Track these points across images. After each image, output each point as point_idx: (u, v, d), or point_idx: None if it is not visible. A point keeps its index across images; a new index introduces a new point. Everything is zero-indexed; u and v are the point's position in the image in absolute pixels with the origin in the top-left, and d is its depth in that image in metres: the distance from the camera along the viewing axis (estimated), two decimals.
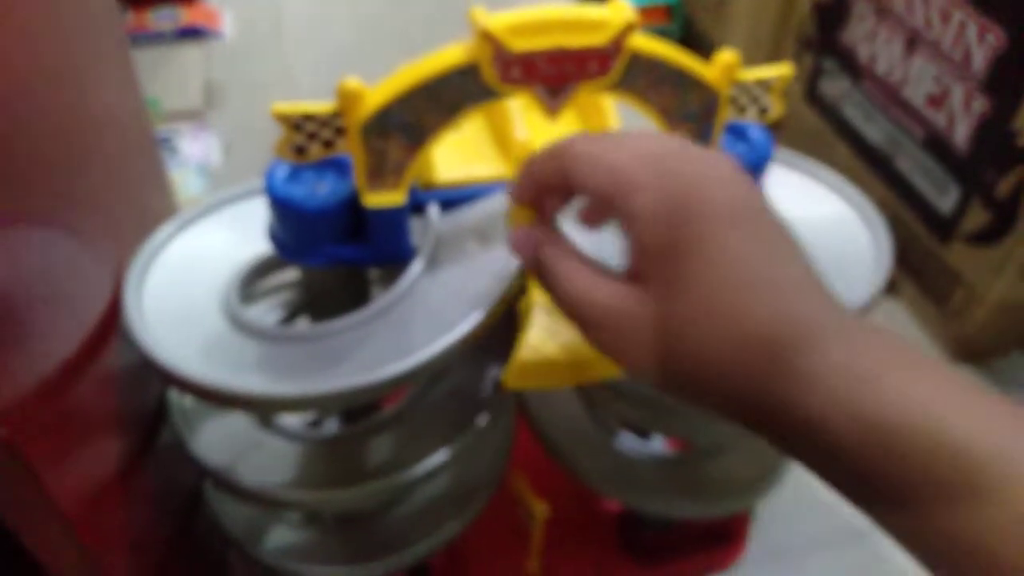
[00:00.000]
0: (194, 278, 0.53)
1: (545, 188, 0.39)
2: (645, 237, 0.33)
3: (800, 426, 0.30)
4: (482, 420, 0.55)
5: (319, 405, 0.47)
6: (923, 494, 0.29)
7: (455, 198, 0.53)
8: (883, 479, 0.29)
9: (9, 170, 0.38)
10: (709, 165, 0.33)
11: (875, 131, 1.05)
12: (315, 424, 0.62)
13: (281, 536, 0.64)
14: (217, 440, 0.57)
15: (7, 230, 0.37)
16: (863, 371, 0.29)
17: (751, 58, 0.47)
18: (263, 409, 0.55)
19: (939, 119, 0.94)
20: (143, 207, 0.64)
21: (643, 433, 0.69)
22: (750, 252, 0.31)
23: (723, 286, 0.31)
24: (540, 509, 0.63)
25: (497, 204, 0.53)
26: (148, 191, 0.68)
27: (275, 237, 0.51)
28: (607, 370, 0.48)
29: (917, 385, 0.29)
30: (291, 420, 0.58)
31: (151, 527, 0.54)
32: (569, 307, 0.36)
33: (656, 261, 0.32)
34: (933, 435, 0.28)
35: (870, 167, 1.07)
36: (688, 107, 0.48)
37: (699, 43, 1.42)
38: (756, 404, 0.31)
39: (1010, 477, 0.27)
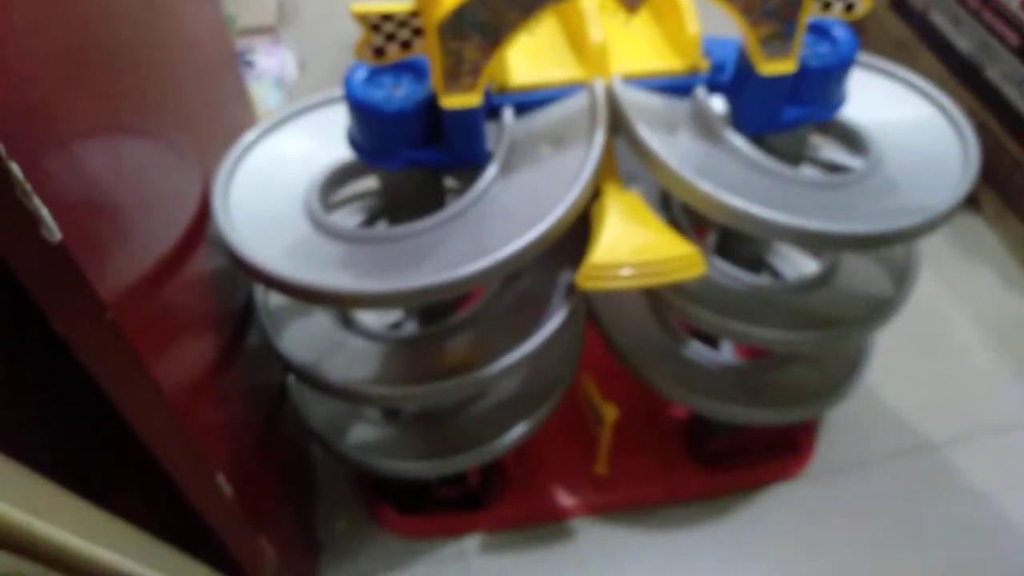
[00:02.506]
0: (278, 183, 0.54)
1: None
2: None
3: None
4: (553, 323, 0.56)
5: (399, 302, 0.48)
6: None
7: (529, 102, 0.53)
8: None
9: (110, 86, 0.39)
10: None
11: (964, 39, 0.99)
12: (395, 326, 0.64)
13: (361, 433, 0.66)
14: (301, 340, 0.59)
15: (108, 140, 0.38)
16: None
17: None
18: (347, 305, 0.56)
19: None
20: (228, 119, 0.65)
21: (712, 342, 0.69)
22: None
23: None
24: (609, 412, 0.64)
25: (571, 108, 0.52)
26: (231, 104, 0.69)
27: (354, 141, 0.51)
28: (678, 272, 0.48)
29: None
30: (371, 321, 0.60)
31: (242, 419, 0.57)
32: None
33: None
34: None
35: (957, 76, 1.01)
36: (770, 3, 0.46)
37: None
38: None
39: None
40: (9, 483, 0.29)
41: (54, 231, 0.29)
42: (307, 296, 0.47)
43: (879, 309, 0.58)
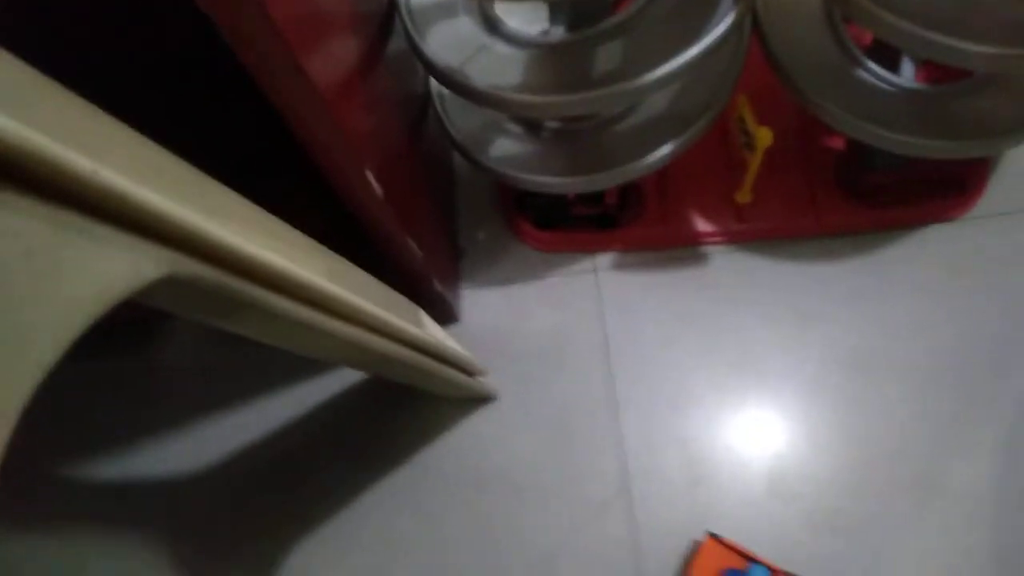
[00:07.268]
0: None
1: None
2: None
3: None
4: (717, 31, 0.47)
5: None
6: None
7: None
8: None
9: None
10: None
11: None
12: (544, 34, 0.57)
13: (503, 146, 0.62)
14: (445, 43, 0.53)
15: None
16: None
17: None
18: None
19: None
20: None
21: (892, 64, 0.58)
22: None
23: None
24: (764, 135, 0.57)
25: None
26: None
27: None
28: None
29: None
30: (517, 27, 0.53)
31: (388, 124, 0.54)
32: None
33: None
34: None
35: None
36: None
37: None
38: None
39: None
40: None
41: None
42: None
43: None
